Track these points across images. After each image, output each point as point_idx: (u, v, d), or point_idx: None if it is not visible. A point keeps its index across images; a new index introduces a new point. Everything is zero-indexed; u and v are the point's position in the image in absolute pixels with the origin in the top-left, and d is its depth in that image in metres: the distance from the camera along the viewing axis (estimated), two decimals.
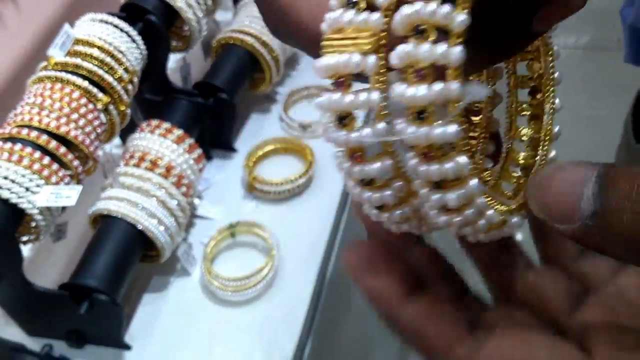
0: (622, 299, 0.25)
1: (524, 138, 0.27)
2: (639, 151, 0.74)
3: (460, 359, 0.23)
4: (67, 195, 0.62)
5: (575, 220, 0.19)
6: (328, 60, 0.19)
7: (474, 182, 0.20)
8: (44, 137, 0.65)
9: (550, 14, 0.22)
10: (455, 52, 0.18)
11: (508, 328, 0.24)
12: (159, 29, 0.78)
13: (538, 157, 0.26)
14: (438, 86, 0.18)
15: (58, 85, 0.68)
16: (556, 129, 0.26)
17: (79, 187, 0.62)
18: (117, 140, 0.86)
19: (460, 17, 0.18)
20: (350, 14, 0.19)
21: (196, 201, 0.83)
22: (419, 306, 0.25)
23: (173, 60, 0.93)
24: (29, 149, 0.63)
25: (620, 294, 0.25)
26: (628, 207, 0.18)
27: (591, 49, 2.29)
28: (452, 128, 0.19)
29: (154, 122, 0.79)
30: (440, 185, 0.20)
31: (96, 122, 0.69)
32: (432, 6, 0.18)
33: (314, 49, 0.20)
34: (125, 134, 0.82)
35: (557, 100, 0.26)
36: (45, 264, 0.77)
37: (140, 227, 0.70)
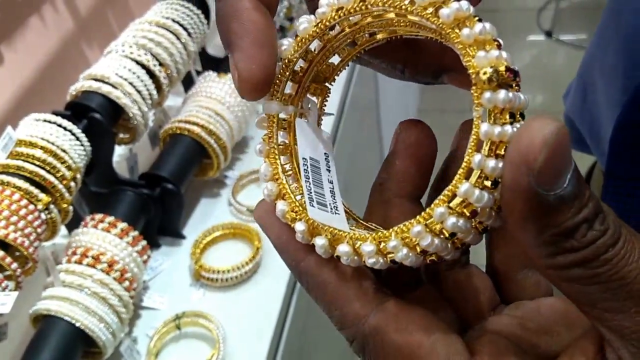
0: (535, 317, 0.26)
1: None
2: None
3: (356, 317, 0.24)
4: (2, 302, 0.62)
5: (553, 189, 0.19)
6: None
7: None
8: None
9: (452, 79, 0.26)
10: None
11: (418, 310, 0.24)
12: (103, 125, 0.80)
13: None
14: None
15: None
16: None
17: (15, 294, 0.62)
18: (63, 230, 0.87)
19: None
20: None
21: (141, 292, 0.83)
22: (320, 259, 0.25)
23: (120, 150, 0.95)
24: None
25: (537, 311, 0.26)
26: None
27: (545, 112, 2.38)
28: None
29: (98, 216, 0.80)
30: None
31: (36, 223, 0.70)
32: None
33: None
34: (71, 226, 0.82)
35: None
36: None
37: (80, 326, 0.70)
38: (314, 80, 0.27)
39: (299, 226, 0.24)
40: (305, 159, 0.26)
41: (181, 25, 0.94)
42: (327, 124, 1.14)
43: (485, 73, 0.21)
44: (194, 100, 0.98)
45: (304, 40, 0.25)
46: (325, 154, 0.27)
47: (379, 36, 0.26)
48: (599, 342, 0.22)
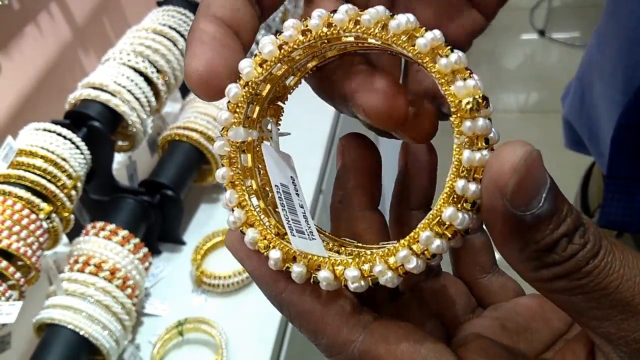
0: (513, 317, 0.27)
1: None
2: None
3: (345, 343, 0.24)
4: (7, 312, 0.62)
5: (529, 209, 0.20)
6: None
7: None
8: None
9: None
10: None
11: (400, 321, 0.25)
12: (102, 133, 0.80)
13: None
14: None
15: (0, 198, 0.69)
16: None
17: (19, 304, 0.62)
18: (65, 239, 0.87)
19: None
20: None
21: (143, 300, 0.83)
22: (301, 288, 0.24)
23: (119, 157, 0.95)
24: None
25: (514, 311, 0.27)
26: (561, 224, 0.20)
27: (539, 111, 2.39)
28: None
29: (99, 224, 0.80)
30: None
31: (38, 232, 0.70)
32: None
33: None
34: (72, 235, 0.82)
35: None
36: None
37: (84, 334, 0.70)
38: (270, 101, 0.27)
39: (274, 254, 0.24)
40: (277, 185, 0.25)
41: (178, 31, 0.94)
42: (324, 125, 1.13)
43: (468, 103, 0.22)
44: (192, 106, 0.98)
45: (270, 63, 0.24)
46: (291, 177, 0.26)
47: (329, 54, 0.26)
48: (589, 345, 0.23)
